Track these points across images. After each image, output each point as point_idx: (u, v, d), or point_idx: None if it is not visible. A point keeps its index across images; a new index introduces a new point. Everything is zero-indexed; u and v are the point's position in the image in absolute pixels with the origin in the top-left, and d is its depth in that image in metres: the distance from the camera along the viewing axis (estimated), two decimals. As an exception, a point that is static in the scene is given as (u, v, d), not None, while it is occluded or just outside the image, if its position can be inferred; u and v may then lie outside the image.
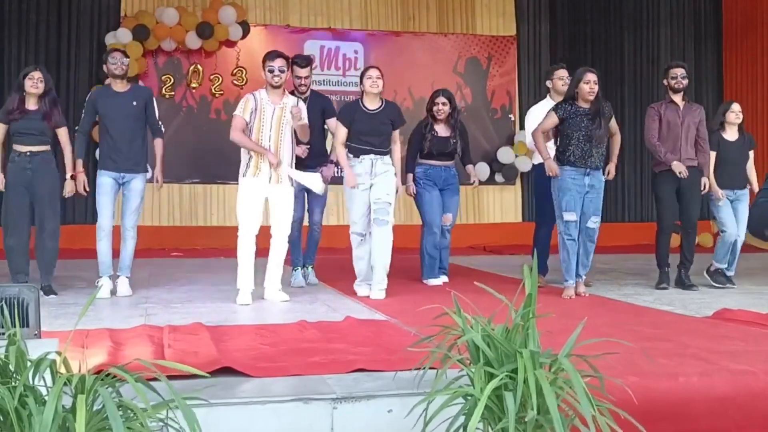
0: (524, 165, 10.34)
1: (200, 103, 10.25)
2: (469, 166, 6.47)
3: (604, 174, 5.57)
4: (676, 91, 5.99)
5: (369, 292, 5.35)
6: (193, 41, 9.93)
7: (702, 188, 5.99)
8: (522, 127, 6.77)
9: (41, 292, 5.14)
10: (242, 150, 5.19)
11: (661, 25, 11.69)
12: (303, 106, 5.24)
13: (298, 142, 5.40)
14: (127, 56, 5.62)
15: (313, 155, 5.78)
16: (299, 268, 6.05)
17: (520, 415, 2.07)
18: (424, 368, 2.39)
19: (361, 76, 5.52)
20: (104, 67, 5.73)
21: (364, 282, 5.48)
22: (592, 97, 5.38)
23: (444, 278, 6.23)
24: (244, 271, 5.11)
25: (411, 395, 2.57)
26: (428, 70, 10.73)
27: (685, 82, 5.99)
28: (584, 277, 5.58)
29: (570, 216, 5.39)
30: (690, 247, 6.04)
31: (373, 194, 5.39)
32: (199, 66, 10.18)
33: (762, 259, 6.36)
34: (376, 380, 2.89)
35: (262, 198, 5.15)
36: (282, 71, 5.12)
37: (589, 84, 5.37)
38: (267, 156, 5.08)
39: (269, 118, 5.12)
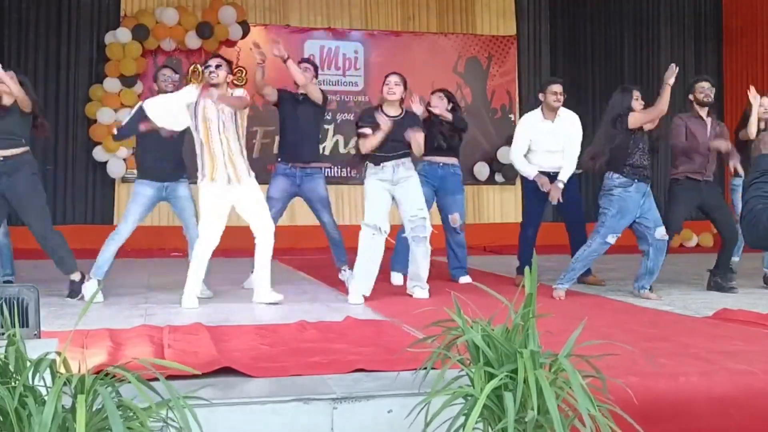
0: (524, 165, 10.32)
1: (200, 103, 10.23)
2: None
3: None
4: (703, 104, 5.90)
5: (360, 300, 5.03)
6: (193, 41, 9.92)
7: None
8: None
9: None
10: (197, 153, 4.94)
11: (661, 25, 11.69)
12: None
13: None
14: (176, 72, 5.65)
15: (306, 155, 5.79)
16: None
17: (520, 416, 2.07)
18: (425, 368, 2.38)
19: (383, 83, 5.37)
20: (155, 84, 5.69)
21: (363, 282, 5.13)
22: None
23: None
24: (192, 278, 4.92)
25: (411, 395, 2.57)
26: (428, 70, 10.70)
27: (712, 95, 5.91)
28: (648, 288, 5.47)
29: (612, 239, 5.43)
30: (728, 257, 5.92)
31: (404, 209, 5.21)
32: (199, 66, 10.14)
33: (762, 259, 6.35)
34: (376, 380, 2.89)
35: (224, 204, 4.94)
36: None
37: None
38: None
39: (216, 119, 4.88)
